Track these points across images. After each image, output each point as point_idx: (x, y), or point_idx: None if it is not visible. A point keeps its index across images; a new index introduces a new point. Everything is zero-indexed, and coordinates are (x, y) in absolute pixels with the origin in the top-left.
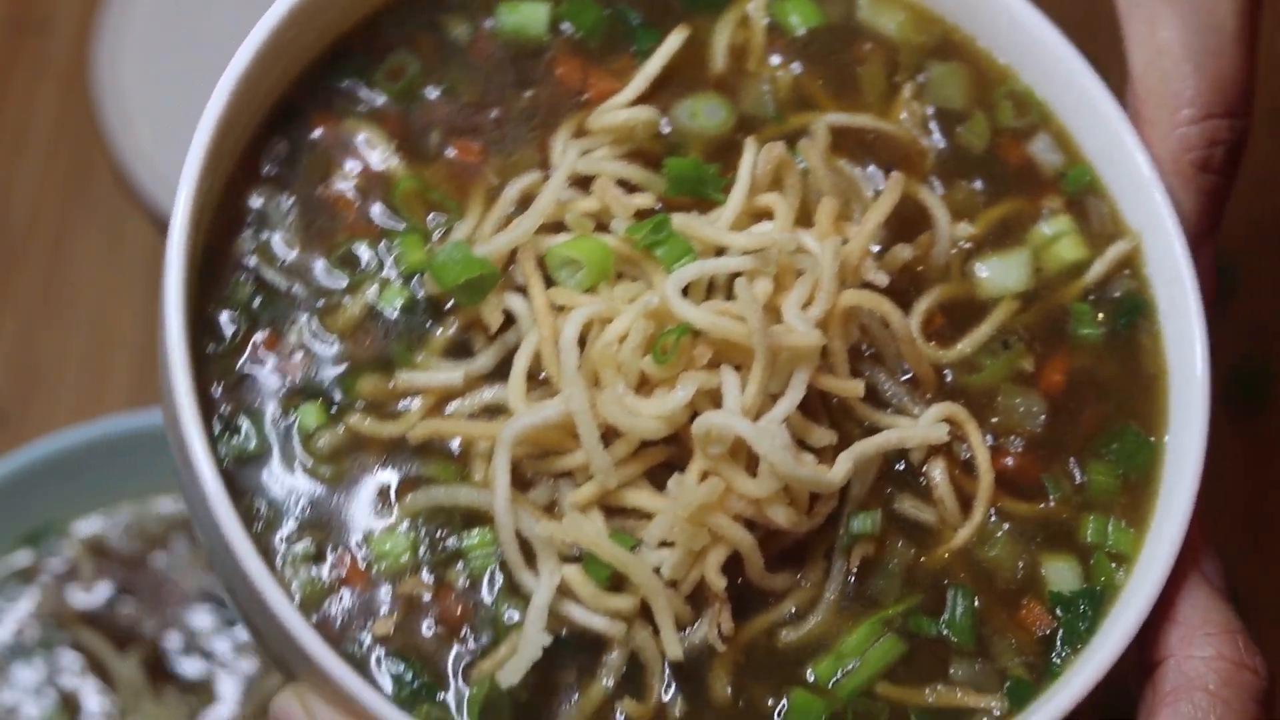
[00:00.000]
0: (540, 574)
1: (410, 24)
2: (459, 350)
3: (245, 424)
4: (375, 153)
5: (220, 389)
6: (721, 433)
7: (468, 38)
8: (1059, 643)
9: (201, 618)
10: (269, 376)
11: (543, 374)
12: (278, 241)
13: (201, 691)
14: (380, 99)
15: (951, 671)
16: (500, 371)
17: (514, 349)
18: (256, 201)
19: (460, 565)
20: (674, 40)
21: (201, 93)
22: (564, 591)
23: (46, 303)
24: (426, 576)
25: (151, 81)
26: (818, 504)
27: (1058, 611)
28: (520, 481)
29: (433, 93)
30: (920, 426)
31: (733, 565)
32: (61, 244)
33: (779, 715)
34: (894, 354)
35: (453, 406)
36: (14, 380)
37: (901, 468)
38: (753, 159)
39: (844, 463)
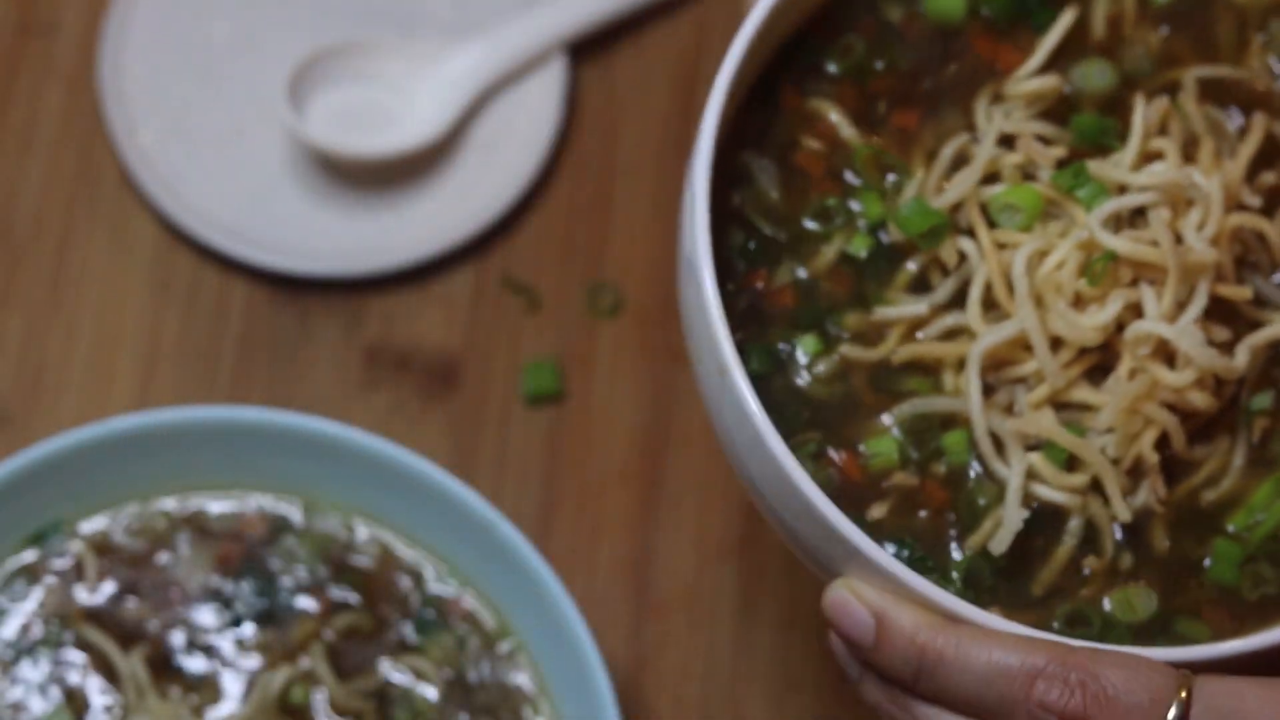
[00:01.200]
0: (1011, 462)
1: (856, 9)
2: (919, 286)
3: (754, 350)
4: (834, 123)
5: (732, 323)
6: (1149, 335)
7: (901, 18)
8: None
9: (206, 616)
10: (768, 311)
11: (990, 302)
12: (762, 195)
13: (206, 688)
14: (835, 75)
15: None
16: (956, 301)
17: (967, 282)
18: (743, 160)
19: (941, 460)
20: (1067, 17)
21: (204, 96)
22: (1030, 475)
23: (51, 303)
24: (913, 471)
25: (155, 86)
26: (1223, 388)
27: None
28: (984, 390)
29: (878, 65)
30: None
31: (1160, 443)
32: (66, 245)
33: (1206, 562)
34: (1268, 262)
35: (922, 333)
36: (18, 380)
37: None
38: (1142, 111)
39: (1243, 352)
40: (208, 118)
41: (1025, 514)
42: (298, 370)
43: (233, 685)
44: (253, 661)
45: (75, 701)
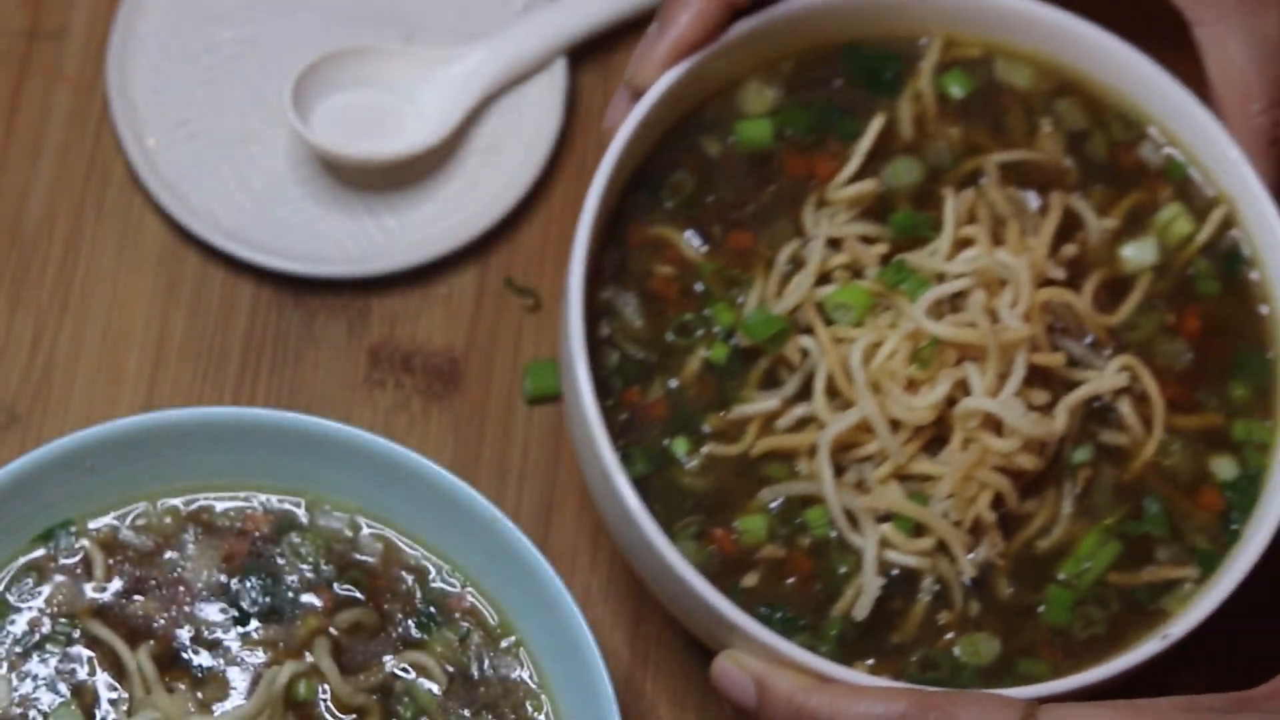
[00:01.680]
0: (865, 534)
1: (681, 147)
2: (771, 381)
3: (636, 453)
4: (680, 248)
5: (614, 432)
6: (977, 410)
7: (719, 153)
8: (1233, 514)
9: (212, 612)
10: (646, 420)
11: (834, 391)
12: (628, 325)
13: (212, 684)
14: (672, 209)
15: (1157, 555)
16: (804, 393)
17: (811, 375)
18: (605, 295)
19: (806, 534)
20: (877, 123)
21: (210, 101)
22: (883, 543)
23: (59, 304)
24: (781, 544)
25: (162, 90)
26: (1046, 447)
27: (1227, 493)
28: (836, 470)
29: (708, 198)
30: (1106, 376)
31: (996, 501)
32: (74, 247)
33: (1042, 606)
34: (1077, 326)
35: (780, 421)
36: (27, 380)
37: (1097, 405)
38: (952, 202)
39: (1061, 414)
40: (214, 122)
41: (882, 581)
42: (302, 370)
43: (238, 680)
44: (258, 657)
45: (83, 697)
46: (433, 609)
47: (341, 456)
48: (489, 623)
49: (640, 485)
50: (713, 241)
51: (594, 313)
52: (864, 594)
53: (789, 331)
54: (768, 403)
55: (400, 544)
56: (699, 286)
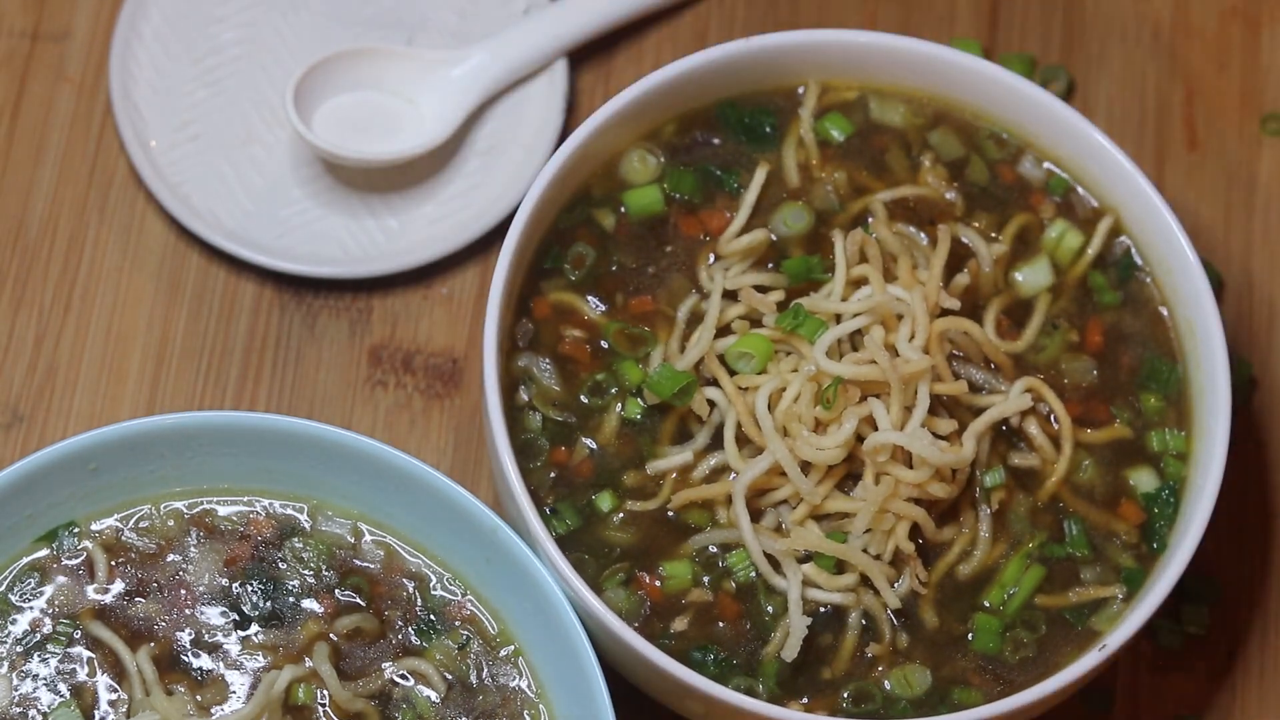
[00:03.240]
0: (788, 576)
1: (577, 220)
2: (682, 435)
3: (565, 509)
4: (584, 313)
5: (541, 491)
6: (885, 445)
7: (614, 224)
8: (1156, 526)
9: (214, 616)
10: (573, 479)
11: (744, 438)
12: (544, 388)
13: (212, 686)
14: (576, 280)
15: (1082, 576)
16: (716, 443)
17: (720, 426)
18: (522, 363)
19: (731, 577)
20: (761, 174)
21: (212, 102)
22: (807, 583)
23: (62, 305)
24: (708, 588)
25: (164, 91)
26: (958, 474)
27: (1151, 507)
28: (752, 514)
29: (610, 267)
30: (1010, 400)
31: (914, 532)
32: (77, 248)
33: (970, 634)
34: (978, 354)
35: (697, 470)
36: (30, 380)
37: (1005, 430)
38: (843, 244)
39: (969, 440)
40: (216, 123)
41: (808, 621)
42: (304, 369)
43: (238, 684)
44: (258, 661)
45: (83, 697)
46: (433, 616)
47: (344, 462)
48: (488, 631)
49: (572, 539)
50: (614, 305)
51: (513, 380)
52: (791, 635)
53: (695, 385)
54: (682, 455)
55: (402, 551)
56: (602, 349)
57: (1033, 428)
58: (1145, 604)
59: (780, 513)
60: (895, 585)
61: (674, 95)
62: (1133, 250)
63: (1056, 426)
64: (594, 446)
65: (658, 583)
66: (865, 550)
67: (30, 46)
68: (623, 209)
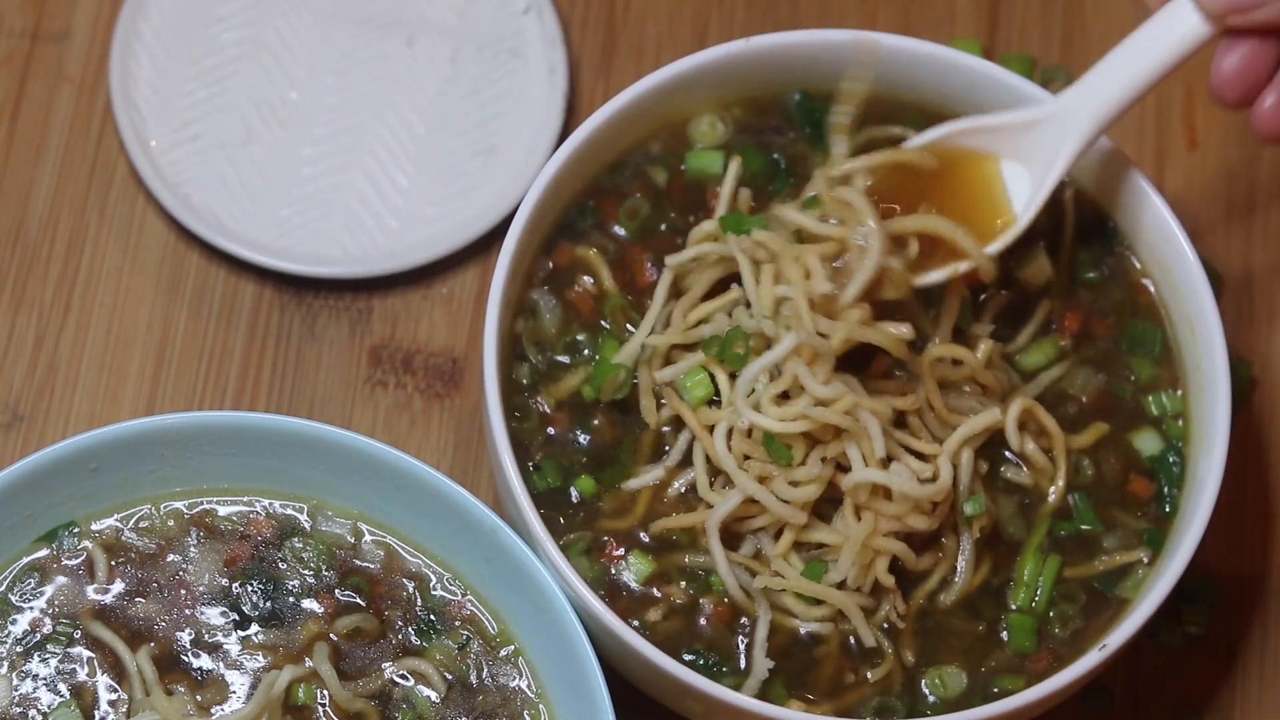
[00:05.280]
0: (759, 615)
1: (628, 176)
2: (660, 450)
3: (548, 466)
4: (601, 279)
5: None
6: (864, 483)
7: (666, 181)
8: (1165, 490)
9: (214, 616)
10: (558, 440)
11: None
12: (541, 326)
13: (212, 686)
14: (622, 235)
15: (1105, 545)
16: (689, 459)
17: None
18: (533, 295)
19: (712, 593)
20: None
21: (212, 102)
22: (785, 611)
23: (62, 305)
24: (686, 589)
25: (164, 91)
26: (940, 506)
27: (1158, 475)
28: (730, 540)
29: (660, 224)
30: (980, 417)
31: (894, 561)
32: (77, 248)
33: (1005, 634)
34: (968, 378)
35: (669, 491)
36: (30, 380)
37: (999, 448)
38: (738, 246)
39: (944, 466)
40: (216, 123)
41: (770, 664)
42: (304, 370)
43: (238, 684)
44: (258, 661)
45: (83, 697)
46: (433, 616)
47: (344, 462)
48: (488, 631)
49: (547, 496)
50: (629, 279)
51: (518, 309)
52: (753, 674)
53: (628, 379)
54: (654, 473)
55: (402, 551)
56: (600, 315)
57: (1029, 445)
58: (1145, 604)
59: (759, 539)
60: (876, 615)
61: (674, 95)
62: (1112, 226)
63: (1048, 438)
64: (546, 408)
65: (621, 562)
66: (842, 585)
67: (30, 46)
68: (682, 167)
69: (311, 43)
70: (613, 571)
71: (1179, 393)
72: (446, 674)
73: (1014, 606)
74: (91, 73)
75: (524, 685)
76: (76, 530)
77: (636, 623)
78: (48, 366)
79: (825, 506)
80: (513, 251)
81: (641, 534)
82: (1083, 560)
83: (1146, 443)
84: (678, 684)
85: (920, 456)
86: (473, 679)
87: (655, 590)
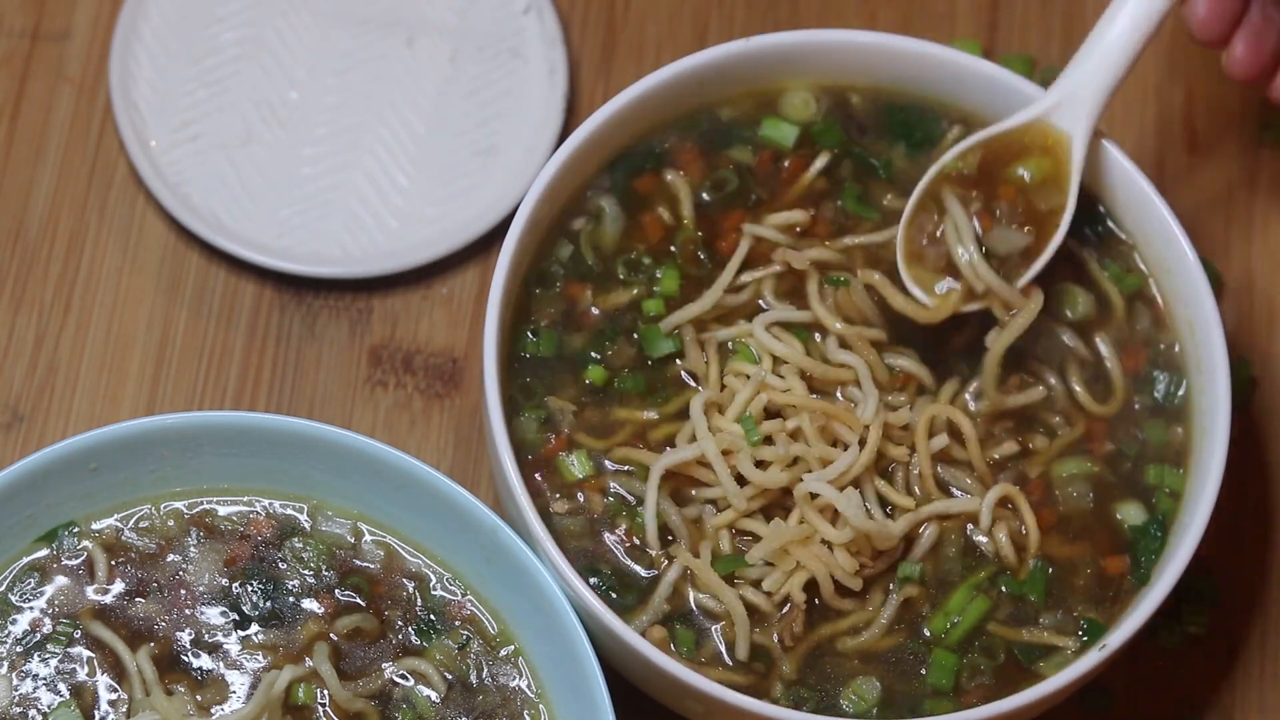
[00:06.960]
0: (669, 569)
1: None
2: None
3: (545, 335)
4: (682, 210)
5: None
6: (816, 493)
7: (752, 157)
8: (1141, 560)
9: (214, 616)
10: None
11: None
12: (603, 230)
13: (212, 686)
14: (711, 197)
15: (1041, 620)
16: (684, 414)
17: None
18: (600, 200)
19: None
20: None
21: (212, 102)
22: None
23: (62, 305)
24: (624, 517)
25: (164, 91)
26: (881, 556)
27: (1136, 548)
28: (680, 499)
29: (753, 197)
30: (962, 499)
31: (813, 591)
32: (77, 248)
33: (924, 670)
34: (964, 457)
35: (651, 434)
36: (30, 380)
37: (981, 540)
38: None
39: (902, 521)
40: (216, 123)
41: (667, 609)
42: (304, 370)
43: (238, 684)
44: (258, 661)
45: (83, 697)
46: (433, 616)
47: (344, 462)
48: (488, 631)
49: (532, 364)
50: (713, 229)
51: (572, 212)
52: (648, 613)
53: (672, 359)
54: (647, 414)
55: (402, 551)
56: (670, 242)
57: (1001, 535)
58: (1145, 604)
59: (705, 509)
60: (772, 623)
61: (675, 95)
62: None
63: (1024, 532)
64: (597, 311)
65: (565, 452)
66: (758, 584)
67: (30, 46)
68: (760, 134)
69: (311, 43)
70: (554, 460)
71: (1180, 470)
72: (446, 674)
73: (926, 633)
74: (91, 73)
75: (524, 685)
76: (76, 530)
77: (551, 511)
78: (48, 366)
79: (780, 513)
80: (513, 251)
81: (606, 461)
82: (1011, 623)
83: (1130, 513)
84: (678, 684)
85: (887, 506)
86: (473, 679)
87: (581, 494)
